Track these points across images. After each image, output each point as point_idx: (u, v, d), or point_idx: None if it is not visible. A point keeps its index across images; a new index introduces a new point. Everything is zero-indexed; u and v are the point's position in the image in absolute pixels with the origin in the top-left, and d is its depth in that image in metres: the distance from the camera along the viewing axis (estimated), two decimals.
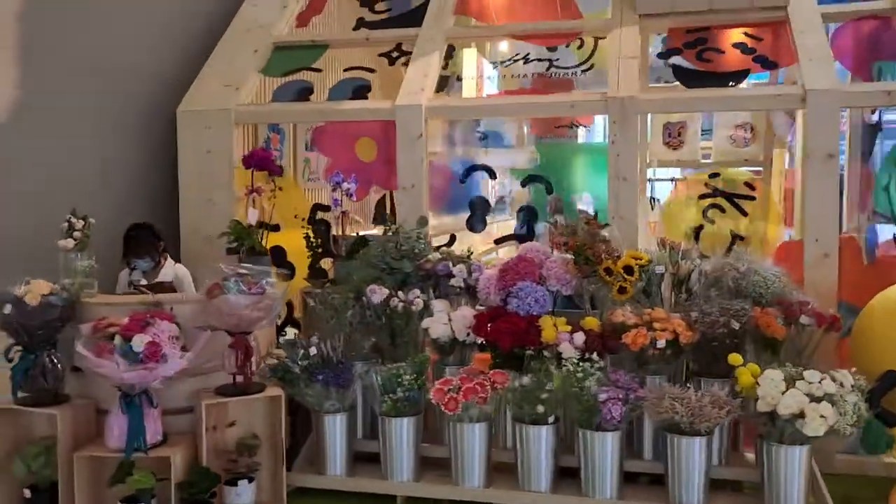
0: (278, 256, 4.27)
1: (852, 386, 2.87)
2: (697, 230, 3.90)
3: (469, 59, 5.51)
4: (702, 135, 5.13)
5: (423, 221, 3.75)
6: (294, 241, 4.26)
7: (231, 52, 4.69)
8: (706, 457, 3.08)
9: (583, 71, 4.94)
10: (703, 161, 5.09)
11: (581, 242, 3.41)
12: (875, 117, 4.54)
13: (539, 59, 4.37)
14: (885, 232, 4.50)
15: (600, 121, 7.93)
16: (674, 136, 4.95)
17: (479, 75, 5.57)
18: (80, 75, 4.05)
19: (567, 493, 3.25)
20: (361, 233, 4.17)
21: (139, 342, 2.89)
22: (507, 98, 4.23)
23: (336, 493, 3.44)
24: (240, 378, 3.20)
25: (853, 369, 3.00)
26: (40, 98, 3.83)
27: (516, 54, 4.41)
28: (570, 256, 3.58)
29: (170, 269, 3.94)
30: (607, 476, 3.16)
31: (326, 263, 4.15)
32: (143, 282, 3.74)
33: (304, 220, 4.16)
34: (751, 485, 3.45)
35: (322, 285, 3.99)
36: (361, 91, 4.33)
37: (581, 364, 3.13)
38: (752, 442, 3.49)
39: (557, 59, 5.16)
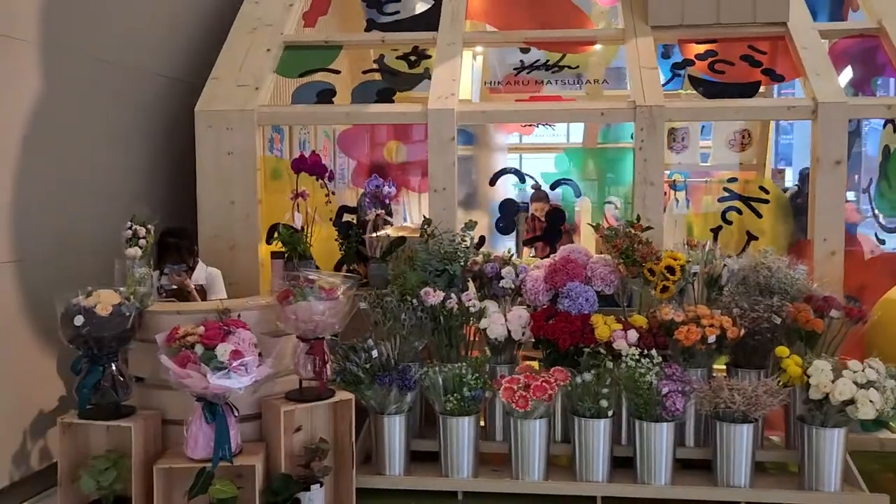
0: None
1: (886, 372, 3.19)
2: (716, 230, 4.18)
3: (466, 62, 5.59)
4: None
5: (470, 225, 3.84)
6: (319, 243, 4.25)
7: (241, 51, 4.60)
8: (753, 441, 3.34)
9: (553, 73, 5.14)
10: (702, 164, 5.43)
11: (628, 244, 3.60)
12: (852, 125, 4.96)
13: (570, 67, 4.51)
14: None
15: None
16: (678, 140, 5.24)
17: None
18: (86, 71, 3.90)
19: (622, 482, 3.44)
20: (385, 234, 4.22)
21: (223, 351, 2.87)
22: (537, 104, 4.37)
23: (394, 492, 3.50)
24: (313, 384, 3.21)
25: (877, 356, 3.33)
26: (53, 94, 3.68)
27: (536, 61, 4.55)
28: (608, 257, 3.78)
29: (201, 272, 3.88)
30: (662, 464, 3.38)
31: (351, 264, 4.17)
32: (173, 287, 3.66)
33: (334, 224, 4.17)
34: (773, 465, 3.76)
35: (357, 288, 4.02)
36: (386, 94, 4.35)
37: (641, 360, 3.33)
38: (772, 425, 3.82)
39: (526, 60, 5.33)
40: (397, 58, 4.61)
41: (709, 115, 4.29)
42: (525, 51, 5.08)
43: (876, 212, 4.58)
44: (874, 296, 4.04)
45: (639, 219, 3.75)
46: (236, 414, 3.01)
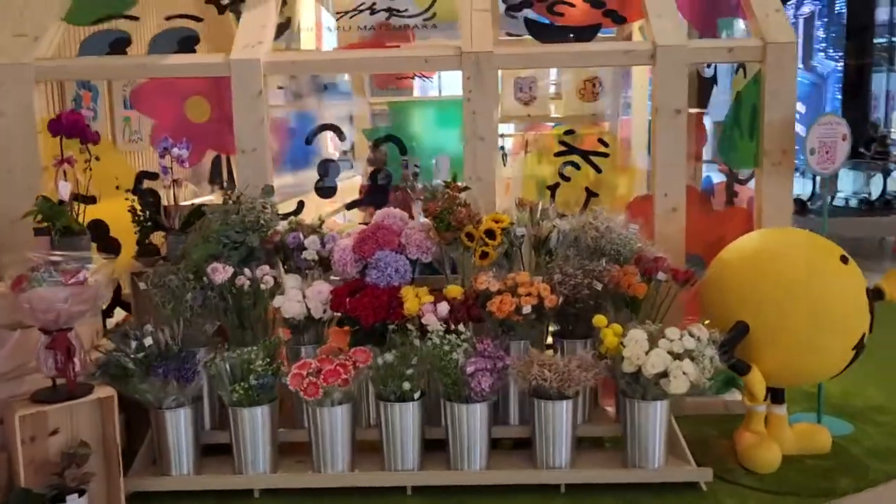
0: (99, 232, 3.76)
1: (708, 339, 2.94)
2: (553, 188, 3.86)
3: (307, 8, 5.10)
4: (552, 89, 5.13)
5: (269, 190, 3.41)
6: (117, 214, 3.76)
7: None
8: (572, 418, 3.07)
9: (424, 20, 4.73)
10: (553, 116, 5.10)
11: (442, 207, 3.24)
12: (710, 71, 4.70)
13: (382, 10, 4.09)
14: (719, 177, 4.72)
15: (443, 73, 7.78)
16: (525, 90, 4.88)
17: (318, 26, 5.18)
18: None
19: (435, 468, 3.14)
20: (197, 201, 3.76)
21: None
22: (356, 52, 3.92)
23: (185, 493, 3.11)
24: (61, 381, 2.76)
25: (706, 321, 3.09)
26: None
27: (361, 4, 4.09)
28: (428, 221, 3.42)
29: None
30: (476, 447, 3.08)
31: (158, 238, 3.71)
32: None
33: (127, 190, 3.67)
34: (611, 439, 3.51)
35: (153, 263, 3.56)
36: (188, 43, 3.84)
37: (447, 336, 2.99)
38: (611, 395, 3.56)
39: (397, 8, 4.91)
40: (207, 2, 4.09)
41: (541, 61, 3.93)
42: None
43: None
44: None
45: (455, 178, 3.38)
46: None
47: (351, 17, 4.04)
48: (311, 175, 3.99)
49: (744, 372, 3.08)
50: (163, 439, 3.09)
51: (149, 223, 3.64)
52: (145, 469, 3.17)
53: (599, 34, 4.09)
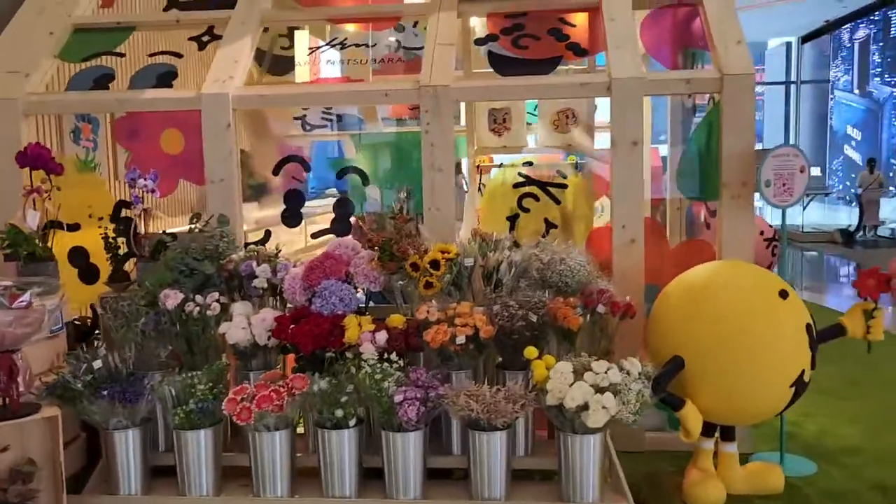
0: (79, 258, 3.96)
1: (639, 373, 2.90)
2: (513, 219, 3.88)
3: (301, 42, 5.28)
4: (528, 120, 5.16)
5: (223, 220, 3.54)
6: (97, 241, 3.96)
7: (22, 34, 4.28)
8: (507, 451, 3.06)
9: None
10: (530, 147, 5.12)
11: (386, 238, 3.31)
12: (691, 101, 4.67)
13: (356, 45, 4.22)
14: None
15: None
16: (499, 122, 4.93)
17: (315, 60, 5.35)
18: None
19: (372, 496, 3.16)
20: (169, 230, 3.92)
21: None
22: (320, 86, 4.06)
23: None
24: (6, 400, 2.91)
25: (641, 355, 3.06)
26: None
27: (333, 38, 4.23)
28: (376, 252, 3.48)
29: None
30: (410, 476, 3.10)
31: (130, 265, 3.88)
32: None
33: (100, 218, 3.86)
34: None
35: (123, 289, 3.73)
36: (167, 78, 4.04)
37: (380, 364, 3.04)
38: None
39: (364, 44, 5.05)
40: (189, 39, 4.29)
41: (499, 93, 3.98)
42: (399, 30, 4.82)
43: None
44: None
45: (402, 210, 3.45)
46: None
47: (323, 52, 4.17)
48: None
49: (677, 407, 3.03)
50: (111, 459, 3.21)
51: (120, 250, 3.81)
52: (98, 487, 3.30)
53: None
